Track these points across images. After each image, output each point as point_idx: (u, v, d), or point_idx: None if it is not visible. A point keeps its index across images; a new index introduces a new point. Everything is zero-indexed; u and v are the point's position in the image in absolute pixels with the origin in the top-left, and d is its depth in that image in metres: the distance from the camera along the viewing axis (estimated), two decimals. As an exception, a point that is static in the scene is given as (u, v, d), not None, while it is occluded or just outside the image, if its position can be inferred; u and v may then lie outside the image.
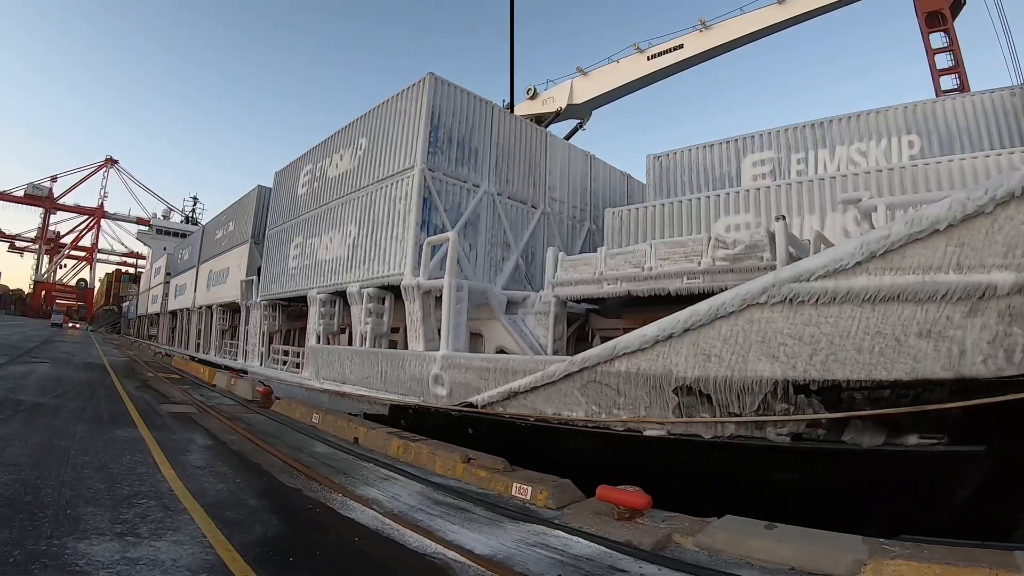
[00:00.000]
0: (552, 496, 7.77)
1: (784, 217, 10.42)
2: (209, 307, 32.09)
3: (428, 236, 14.65)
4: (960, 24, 25.13)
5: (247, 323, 25.40)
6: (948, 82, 24.74)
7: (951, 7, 24.86)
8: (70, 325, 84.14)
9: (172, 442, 9.76)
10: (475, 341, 14.69)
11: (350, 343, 19.99)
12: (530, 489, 7.90)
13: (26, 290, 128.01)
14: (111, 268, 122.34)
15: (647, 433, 8.51)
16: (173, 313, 43.25)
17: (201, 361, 30.07)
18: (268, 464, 8.89)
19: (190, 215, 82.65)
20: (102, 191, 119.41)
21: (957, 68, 24.67)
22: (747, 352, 7.32)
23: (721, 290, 10.56)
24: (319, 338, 18.83)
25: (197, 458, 8.81)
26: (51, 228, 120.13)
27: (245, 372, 23.45)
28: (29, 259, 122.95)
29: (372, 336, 16.10)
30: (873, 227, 11.57)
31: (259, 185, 27.16)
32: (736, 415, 7.57)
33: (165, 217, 79.99)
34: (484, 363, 12.06)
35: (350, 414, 15.13)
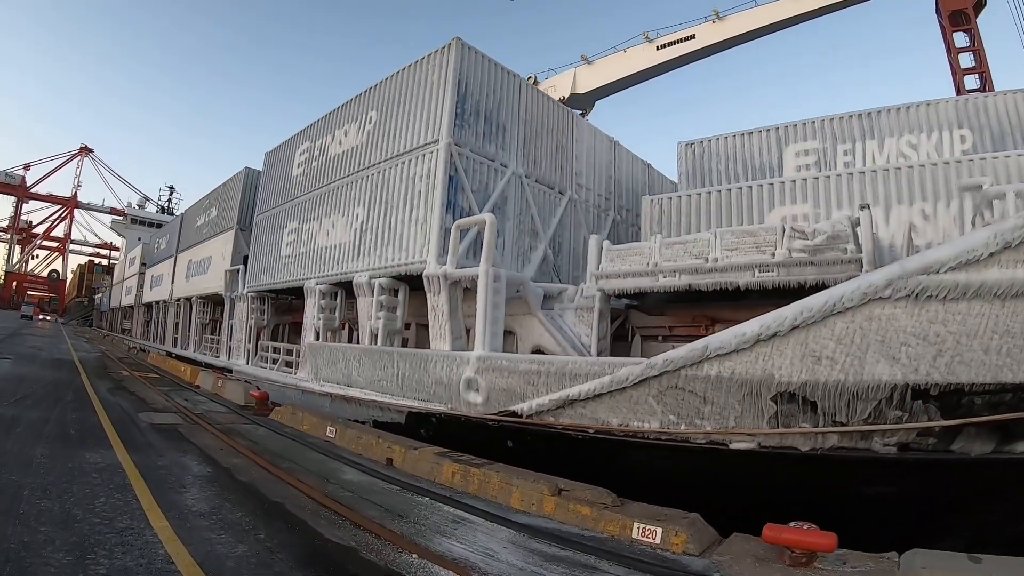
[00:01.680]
0: (692, 538, 5.77)
1: (868, 206, 9.11)
2: (188, 299, 29.04)
3: (454, 219, 12.36)
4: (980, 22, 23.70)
5: (231, 317, 22.56)
6: (971, 81, 23.17)
7: (974, 5, 23.43)
8: (41, 317, 79.45)
9: (160, 471, 7.24)
10: (506, 340, 12.41)
11: (350, 340, 17.53)
12: (659, 530, 5.86)
13: None
14: (84, 259, 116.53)
15: (734, 446, 7.20)
16: (148, 305, 39.72)
17: (179, 358, 27.11)
18: (294, 503, 6.48)
19: (166, 205, 78.15)
20: (76, 180, 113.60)
21: (980, 67, 23.19)
22: (864, 353, 6.24)
23: (800, 285, 9.26)
24: (318, 335, 16.29)
25: (197, 497, 6.34)
26: (23, 218, 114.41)
27: (229, 371, 20.72)
28: (0, 249, 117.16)
29: (385, 333, 13.67)
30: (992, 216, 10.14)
31: (246, 167, 24.28)
32: (842, 424, 6.48)
33: (140, 207, 75.21)
34: (533, 366, 9.90)
35: (354, 420, 12.78)
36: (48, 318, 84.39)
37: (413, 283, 13.56)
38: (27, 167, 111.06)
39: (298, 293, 18.96)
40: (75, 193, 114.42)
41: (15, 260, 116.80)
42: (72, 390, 13.77)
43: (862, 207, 9.08)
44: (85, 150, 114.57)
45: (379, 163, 14.82)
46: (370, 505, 6.60)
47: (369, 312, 14.01)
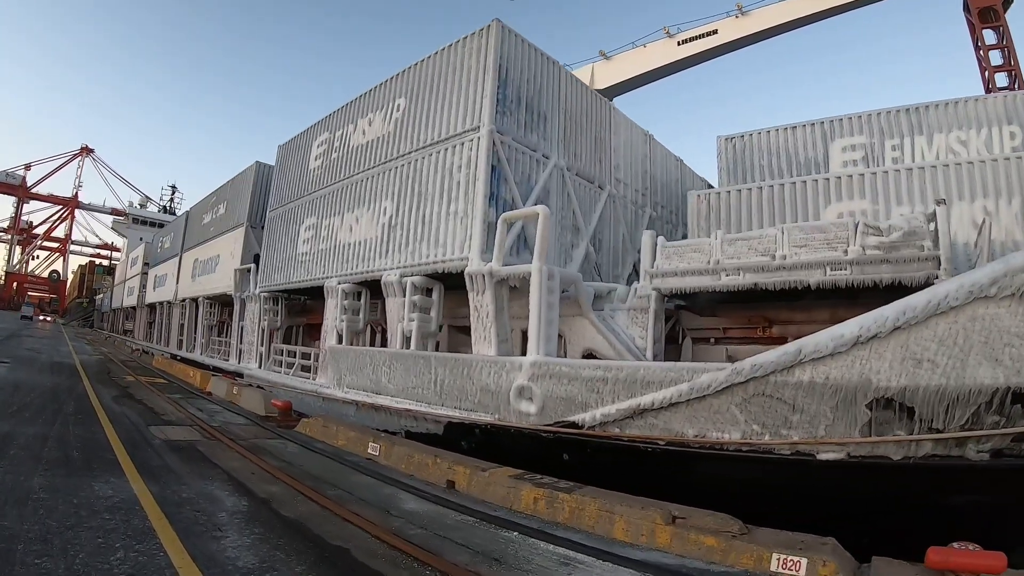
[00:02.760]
0: (841, 567, 4.80)
1: (944, 201, 8.42)
2: (194, 300, 27.48)
3: (497, 212, 11.05)
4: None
5: (242, 318, 21.07)
6: (1001, 79, 22.30)
7: (1003, 2, 22.58)
8: (41, 318, 77.46)
9: (186, 507, 5.81)
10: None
11: (373, 343, 16.14)
12: (803, 561, 4.88)
13: None
14: (85, 260, 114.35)
15: (821, 456, 6.55)
16: (152, 306, 38.06)
17: (185, 360, 25.59)
18: (361, 547, 5.08)
19: (168, 205, 76.09)
20: (77, 181, 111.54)
21: (1010, 64, 22.26)
22: (967, 355, 5.76)
23: (874, 283, 8.58)
24: (340, 337, 14.86)
25: (239, 545, 4.90)
26: (24, 218, 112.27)
27: (240, 375, 19.25)
28: (0, 250, 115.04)
29: (418, 335, 12.30)
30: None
31: (257, 162, 22.76)
32: (937, 431, 5.98)
33: (142, 206, 73.25)
34: (599, 372, 8.72)
35: (384, 431, 11.45)
36: (49, 319, 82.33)
37: (448, 282, 12.23)
38: (28, 167, 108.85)
39: (313, 293, 17.58)
40: (76, 193, 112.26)
41: (15, 261, 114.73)
42: (74, 399, 12.27)
43: (939, 202, 8.39)
44: (86, 150, 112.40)
45: (409, 153, 13.44)
46: (452, 546, 5.22)
47: (400, 313, 12.64)
